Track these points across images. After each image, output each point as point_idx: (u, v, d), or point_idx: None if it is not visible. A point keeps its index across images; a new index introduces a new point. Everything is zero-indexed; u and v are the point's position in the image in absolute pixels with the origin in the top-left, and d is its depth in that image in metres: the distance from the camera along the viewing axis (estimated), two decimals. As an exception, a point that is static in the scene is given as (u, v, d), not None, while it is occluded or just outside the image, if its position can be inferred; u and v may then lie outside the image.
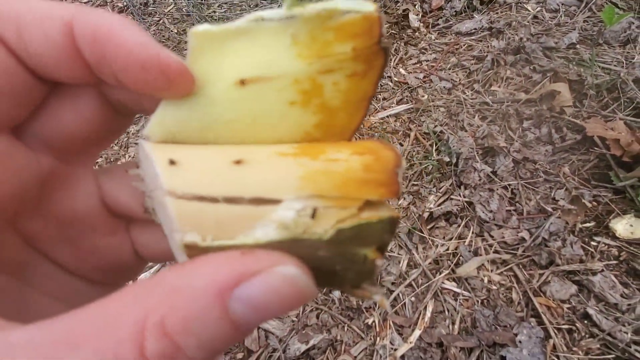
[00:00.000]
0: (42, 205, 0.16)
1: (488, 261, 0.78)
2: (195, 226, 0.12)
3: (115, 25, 0.13)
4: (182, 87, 0.14)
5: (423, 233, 0.83)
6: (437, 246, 0.82)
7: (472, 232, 0.81)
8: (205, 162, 0.13)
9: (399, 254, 0.82)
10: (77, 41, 0.13)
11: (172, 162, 0.13)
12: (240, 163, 0.13)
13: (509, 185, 0.85)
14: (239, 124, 0.15)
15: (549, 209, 0.81)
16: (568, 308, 0.70)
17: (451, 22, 1.26)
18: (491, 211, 0.82)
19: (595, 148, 0.86)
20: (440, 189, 0.88)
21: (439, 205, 0.86)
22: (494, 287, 0.75)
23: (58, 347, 0.10)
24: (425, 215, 0.85)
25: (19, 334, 0.10)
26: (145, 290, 0.11)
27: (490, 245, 0.80)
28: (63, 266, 0.18)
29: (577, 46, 1.09)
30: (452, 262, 0.79)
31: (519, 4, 1.25)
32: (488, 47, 1.14)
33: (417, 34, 1.26)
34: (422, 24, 1.28)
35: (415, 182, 0.91)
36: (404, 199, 0.89)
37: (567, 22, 1.18)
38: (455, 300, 0.75)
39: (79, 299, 0.18)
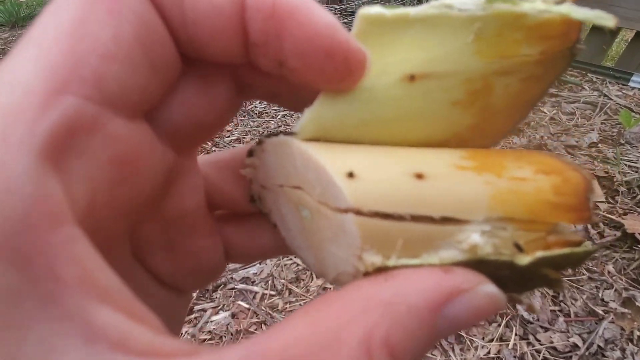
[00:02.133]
0: (156, 207, 0.14)
1: (538, 370, 0.69)
2: (377, 244, 0.12)
3: (300, 2, 0.11)
4: (356, 80, 0.13)
5: (460, 331, 0.76)
6: (476, 348, 0.74)
7: (515, 334, 0.74)
8: (385, 174, 0.12)
9: (432, 354, 0.74)
10: (247, 13, 0.11)
11: (351, 175, 0.12)
12: (422, 178, 0.12)
13: (550, 282, 0.80)
14: (397, 123, 0.14)
15: (600, 312, 0.73)
16: None
17: (471, 121, 1.34)
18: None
19: (639, 245, 0.82)
20: (474, 282, 0.84)
21: (474, 300, 0.80)
22: (549, 404, 0.65)
23: None
24: (461, 310, 0.79)
25: (225, 357, 0.09)
26: (358, 305, 0.10)
27: (538, 351, 0.71)
28: (157, 274, 0.16)
29: (599, 145, 1.12)
30: (495, 369, 0.70)
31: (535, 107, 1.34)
32: (510, 142, 1.19)
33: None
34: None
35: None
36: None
37: (584, 124, 1.24)
38: (504, 418, 0.65)
39: (160, 312, 0.17)
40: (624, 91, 1.42)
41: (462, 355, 0.73)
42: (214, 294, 0.84)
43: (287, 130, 0.14)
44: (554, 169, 0.14)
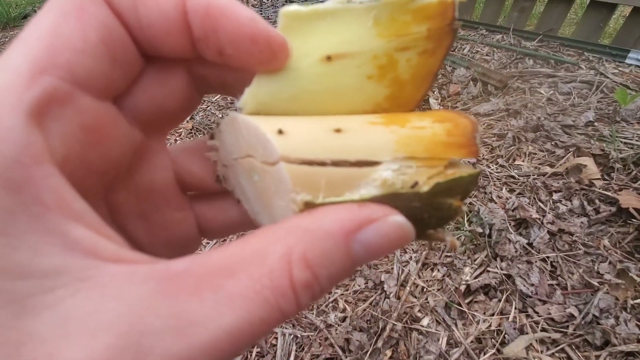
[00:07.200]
0: (128, 177, 0.17)
1: (536, 340, 0.73)
2: (306, 187, 0.14)
3: (227, 2, 0.15)
4: (281, 60, 0.16)
5: (462, 307, 0.80)
6: (478, 322, 0.77)
7: (515, 308, 0.77)
8: (309, 131, 0.15)
9: (437, 329, 0.78)
10: (188, 15, 0.14)
11: (280, 132, 0.14)
12: (340, 132, 0.15)
13: (548, 257, 0.83)
14: (322, 95, 0.17)
15: (595, 284, 0.77)
16: (637, 398, 0.62)
17: (469, 105, 1.36)
18: (532, 285, 0.79)
19: (633, 220, 0.85)
20: (475, 260, 0.87)
21: (475, 277, 0.84)
22: (547, 371, 0.69)
23: (216, 275, 0.11)
24: (462, 288, 0.82)
25: (175, 264, 0.12)
26: (283, 231, 0.13)
27: (537, 323, 0.75)
28: (136, 242, 0.18)
29: (595, 124, 1.14)
30: (496, 341, 0.74)
31: (532, 89, 1.36)
32: (507, 125, 1.21)
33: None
34: (441, 107, 1.39)
35: (449, 254, 0.90)
36: (438, 270, 0.87)
37: (581, 103, 1.25)
38: (505, 385, 0.69)
39: None
40: (620, 69, 1.42)
41: (464, 329, 0.77)
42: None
43: (234, 109, 0.17)
44: (447, 118, 0.17)
